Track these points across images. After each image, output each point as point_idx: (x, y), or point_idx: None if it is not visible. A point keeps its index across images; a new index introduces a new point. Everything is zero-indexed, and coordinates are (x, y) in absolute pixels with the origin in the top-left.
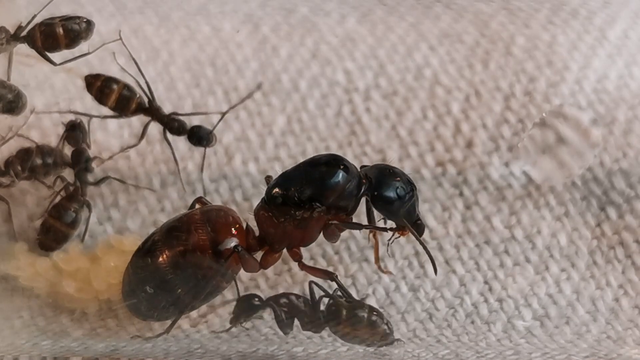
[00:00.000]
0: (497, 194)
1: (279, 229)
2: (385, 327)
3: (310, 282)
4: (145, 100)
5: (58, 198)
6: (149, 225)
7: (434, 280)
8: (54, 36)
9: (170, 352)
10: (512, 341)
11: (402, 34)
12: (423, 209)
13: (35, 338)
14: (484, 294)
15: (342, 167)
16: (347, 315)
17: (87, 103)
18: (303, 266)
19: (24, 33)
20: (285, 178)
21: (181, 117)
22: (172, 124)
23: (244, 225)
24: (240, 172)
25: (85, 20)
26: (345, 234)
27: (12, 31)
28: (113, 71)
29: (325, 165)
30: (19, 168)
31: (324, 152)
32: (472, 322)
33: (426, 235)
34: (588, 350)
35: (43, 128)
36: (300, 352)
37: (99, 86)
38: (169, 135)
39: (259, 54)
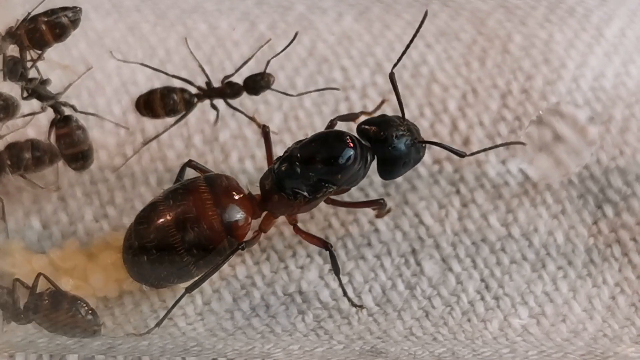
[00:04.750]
0: (494, 192)
1: (286, 202)
2: (91, 317)
3: (15, 280)
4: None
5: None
6: None
7: (431, 278)
8: (39, 33)
9: (167, 350)
10: (509, 339)
11: (399, 31)
12: (420, 206)
13: (31, 336)
14: (480, 292)
15: (352, 145)
16: (54, 306)
17: (83, 100)
18: (298, 230)
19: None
20: (298, 159)
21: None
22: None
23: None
24: (236, 169)
25: (71, 10)
26: (342, 231)
27: (6, 31)
28: (110, 68)
29: (339, 147)
30: (9, 162)
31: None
32: (469, 320)
33: (423, 233)
34: (584, 349)
35: (39, 125)
36: (297, 350)
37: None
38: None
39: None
